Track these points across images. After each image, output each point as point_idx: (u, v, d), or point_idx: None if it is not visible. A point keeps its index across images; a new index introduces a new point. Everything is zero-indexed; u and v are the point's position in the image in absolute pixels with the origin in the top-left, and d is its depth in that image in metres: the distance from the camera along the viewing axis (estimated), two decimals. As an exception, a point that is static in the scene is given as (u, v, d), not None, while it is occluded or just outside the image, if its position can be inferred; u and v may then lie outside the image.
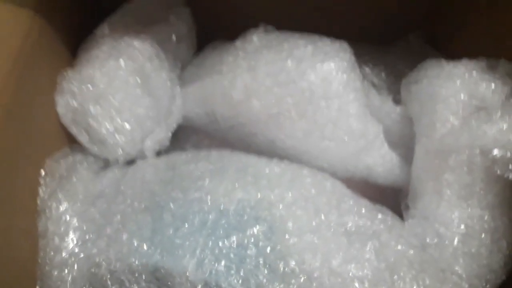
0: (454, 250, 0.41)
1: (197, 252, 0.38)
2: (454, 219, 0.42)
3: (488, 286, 0.40)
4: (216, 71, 0.50)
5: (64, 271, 0.40)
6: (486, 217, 0.42)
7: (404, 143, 0.48)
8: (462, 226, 0.42)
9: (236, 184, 0.42)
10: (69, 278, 0.40)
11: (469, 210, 0.42)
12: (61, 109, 0.49)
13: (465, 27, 0.58)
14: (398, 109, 0.49)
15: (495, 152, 0.40)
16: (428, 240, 0.41)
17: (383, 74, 0.60)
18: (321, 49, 0.47)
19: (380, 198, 0.46)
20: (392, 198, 0.48)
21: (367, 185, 0.48)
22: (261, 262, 0.37)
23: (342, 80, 0.45)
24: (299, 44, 0.47)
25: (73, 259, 0.41)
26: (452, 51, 0.59)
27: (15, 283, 0.39)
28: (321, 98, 0.45)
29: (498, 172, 0.41)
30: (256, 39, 0.49)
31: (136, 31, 0.53)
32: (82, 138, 0.49)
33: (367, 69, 0.59)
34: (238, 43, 0.50)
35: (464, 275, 0.39)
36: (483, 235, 0.41)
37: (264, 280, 0.37)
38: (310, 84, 0.45)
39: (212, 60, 0.52)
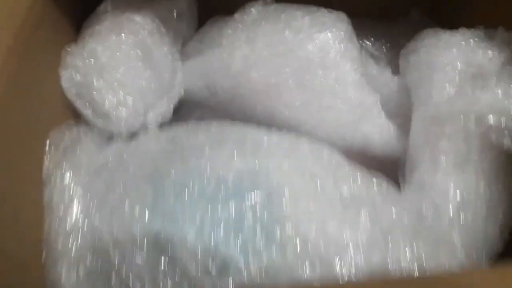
0: (450, 220, 0.39)
1: (197, 219, 0.37)
2: (450, 187, 0.40)
3: (484, 254, 0.39)
4: (216, 44, 0.48)
5: (69, 239, 0.39)
6: (481, 185, 0.40)
7: (402, 113, 0.47)
8: (458, 195, 0.40)
9: (235, 153, 0.41)
10: (74, 247, 0.39)
11: (465, 178, 0.40)
12: (65, 83, 0.47)
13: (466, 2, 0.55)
14: (396, 78, 0.47)
15: (490, 118, 0.38)
16: (424, 209, 0.39)
17: (384, 48, 0.58)
18: (318, 19, 0.45)
19: (378, 169, 0.45)
20: (390, 170, 0.46)
21: (365, 156, 0.46)
22: (258, 228, 0.36)
23: (339, 50, 0.43)
24: (296, 15, 0.45)
25: (77, 228, 0.40)
26: (454, 25, 0.56)
27: (22, 251, 0.38)
28: (318, 68, 0.43)
29: (493, 138, 0.39)
30: (254, 11, 0.47)
31: (137, 7, 0.51)
32: (86, 111, 0.48)
33: (368, 43, 0.57)
34: (237, 16, 0.48)
35: (460, 244, 0.38)
36: (478, 204, 0.40)
37: (261, 246, 0.35)
38: (307, 53, 0.43)
39: (212, 34, 0.51)
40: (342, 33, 0.43)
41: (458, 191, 0.39)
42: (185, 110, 0.54)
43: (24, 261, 0.38)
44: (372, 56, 0.50)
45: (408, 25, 0.61)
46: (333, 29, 0.43)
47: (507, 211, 0.41)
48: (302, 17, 0.45)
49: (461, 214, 0.38)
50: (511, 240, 0.41)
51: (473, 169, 0.40)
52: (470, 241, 0.38)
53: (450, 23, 0.57)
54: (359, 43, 0.53)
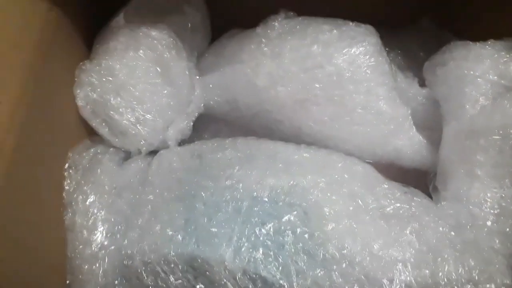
0: (489, 230, 0.40)
1: (234, 240, 0.37)
2: (487, 199, 0.41)
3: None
4: (238, 60, 0.49)
5: (95, 264, 0.39)
6: (518, 196, 0.42)
7: (429, 126, 0.48)
8: (496, 206, 0.41)
9: (267, 171, 0.41)
10: (100, 271, 0.39)
11: (502, 190, 0.42)
12: (80, 101, 0.48)
13: (474, 9, 0.58)
14: (424, 92, 0.49)
15: (529, 131, 0.40)
16: (462, 221, 0.40)
17: (399, 58, 0.60)
18: (347, 33, 0.46)
19: (402, 180, 0.46)
20: (414, 180, 0.47)
21: (389, 167, 0.47)
22: (299, 248, 0.37)
23: (370, 64, 0.45)
24: (324, 29, 0.46)
25: (103, 251, 0.40)
26: (460, 33, 0.58)
27: (44, 278, 0.39)
28: (349, 82, 0.45)
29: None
30: (278, 25, 0.48)
31: (152, 21, 0.52)
32: (103, 130, 0.49)
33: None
34: (259, 29, 0.49)
35: (499, 252, 0.39)
36: (515, 214, 0.41)
37: (304, 267, 0.36)
38: (337, 68, 0.45)
39: (231, 48, 0.52)
40: (373, 47, 0.45)
41: (495, 202, 0.41)
42: (200, 125, 0.54)
43: (45, 283, 0.38)
44: (400, 68, 0.51)
45: (418, 33, 0.63)
46: (364, 43, 0.45)
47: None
48: (329, 31, 0.46)
49: (499, 225, 0.40)
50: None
51: (509, 181, 0.42)
52: (509, 251, 0.39)
53: (463, 31, 0.60)
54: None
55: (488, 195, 0.42)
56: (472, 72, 0.45)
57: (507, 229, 0.41)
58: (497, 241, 0.40)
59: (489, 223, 0.41)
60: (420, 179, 0.49)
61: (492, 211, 0.41)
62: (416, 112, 0.49)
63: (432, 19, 0.67)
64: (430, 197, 0.45)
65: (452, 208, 0.42)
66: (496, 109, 0.42)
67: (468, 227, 0.40)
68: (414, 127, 0.47)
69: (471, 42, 0.47)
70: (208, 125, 0.56)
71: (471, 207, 0.42)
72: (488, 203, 0.42)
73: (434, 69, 0.49)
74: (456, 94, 0.45)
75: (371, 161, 0.47)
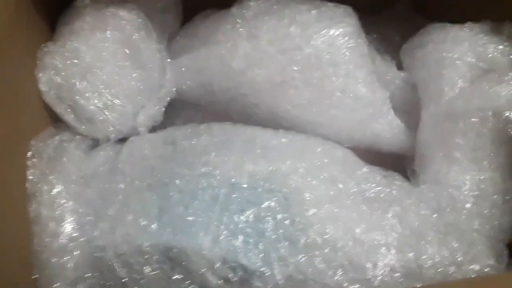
0: (468, 213, 0.41)
1: (212, 228, 0.37)
2: (466, 182, 0.42)
3: (503, 244, 0.41)
4: (212, 41, 0.49)
5: (64, 257, 0.38)
6: (497, 179, 0.43)
7: (407, 109, 0.49)
8: (475, 189, 0.42)
9: (245, 157, 0.41)
10: (70, 265, 0.38)
11: (481, 172, 0.43)
12: (43, 86, 0.46)
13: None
14: (402, 75, 0.49)
15: (508, 113, 0.41)
16: (443, 204, 0.41)
17: (376, 42, 0.60)
18: (325, 14, 0.46)
19: (380, 164, 0.47)
20: (391, 164, 0.48)
21: (367, 152, 0.48)
22: (280, 235, 0.37)
23: (349, 46, 0.45)
24: (301, 9, 0.46)
25: (72, 244, 0.39)
26: (438, 18, 0.59)
27: (9, 273, 0.37)
28: (328, 65, 0.45)
29: (510, 133, 0.41)
30: (254, 4, 0.48)
31: (120, 1, 0.50)
32: (68, 116, 0.47)
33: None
34: (235, 10, 0.48)
35: (479, 234, 0.40)
36: (495, 197, 0.42)
37: (286, 254, 0.36)
38: (316, 50, 0.45)
39: (205, 29, 0.51)
40: (352, 28, 0.45)
41: (474, 184, 0.42)
42: (172, 111, 0.53)
43: (11, 279, 0.36)
44: (378, 51, 0.52)
45: (394, 18, 0.64)
46: (343, 24, 0.45)
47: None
48: (308, 11, 0.46)
49: (479, 207, 0.41)
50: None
51: (488, 163, 0.43)
52: (489, 232, 0.40)
53: (435, 15, 0.61)
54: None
55: (467, 177, 0.43)
56: (450, 55, 0.46)
57: (486, 211, 0.42)
58: (476, 223, 0.41)
59: (468, 205, 0.42)
60: (397, 163, 0.50)
61: (471, 194, 0.42)
62: (394, 95, 0.49)
63: (405, 4, 0.67)
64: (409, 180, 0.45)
65: (432, 191, 0.43)
66: (475, 91, 0.43)
67: (448, 209, 0.41)
68: (392, 110, 0.47)
69: (449, 24, 0.48)
70: (180, 111, 0.55)
71: (450, 190, 0.42)
72: (467, 186, 0.43)
73: (412, 52, 0.49)
74: (435, 77, 0.46)
75: (349, 146, 0.47)
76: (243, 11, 0.48)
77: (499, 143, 0.43)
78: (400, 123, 0.48)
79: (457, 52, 0.46)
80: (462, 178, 0.43)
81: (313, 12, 0.46)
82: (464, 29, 0.47)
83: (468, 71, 0.45)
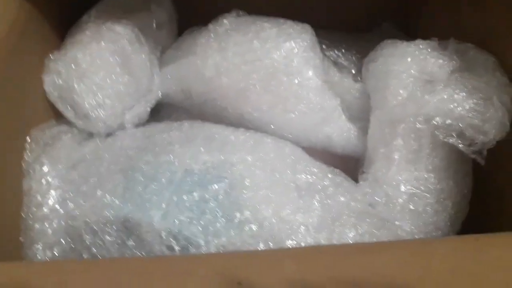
0: (401, 208, 0.46)
1: (163, 205, 0.43)
2: (401, 180, 0.47)
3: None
4: (191, 52, 0.56)
5: (45, 224, 0.46)
6: (432, 179, 0.47)
7: (364, 117, 0.54)
8: (409, 187, 0.47)
9: (202, 148, 0.47)
10: (49, 230, 0.45)
11: (416, 173, 0.47)
12: (48, 87, 0.54)
13: (433, 15, 0.64)
14: (357, 85, 0.54)
15: (437, 119, 0.46)
16: (376, 199, 0.46)
17: (354, 59, 0.66)
18: (284, 30, 0.52)
19: (341, 167, 0.52)
20: (353, 168, 0.53)
21: (328, 155, 0.53)
22: (219, 213, 0.43)
23: (302, 58, 0.51)
24: (265, 27, 0.53)
25: (53, 214, 0.46)
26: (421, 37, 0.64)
27: (1, 235, 0.45)
28: (283, 74, 0.51)
29: (441, 137, 0.46)
30: (227, 22, 0.55)
31: (118, 18, 0.59)
32: (68, 113, 0.55)
33: (339, 54, 0.65)
34: (211, 26, 0.56)
35: (408, 229, 0.44)
36: (428, 195, 0.46)
37: (221, 228, 0.42)
38: (273, 61, 0.51)
39: (188, 43, 0.58)
40: (306, 43, 0.51)
41: (409, 183, 0.46)
42: (164, 113, 0.61)
43: (1, 239, 0.44)
44: (336, 64, 0.57)
45: (379, 37, 0.69)
46: (298, 39, 0.51)
47: (457, 204, 0.47)
48: (270, 28, 0.52)
49: (411, 204, 0.45)
50: (463, 232, 0.48)
51: (423, 165, 0.47)
52: (420, 229, 0.45)
53: (420, 35, 0.66)
54: (329, 52, 0.62)
55: (403, 177, 0.47)
56: (396, 67, 0.51)
57: (419, 209, 0.46)
58: (407, 218, 0.46)
59: (401, 201, 0.46)
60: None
61: (405, 191, 0.47)
62: (350, 103, 0.55)
63: (392, 24, 0.73)
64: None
65: (369, 187, 0.47)
66: (411, 99, 0.48)
67: (382, 204, 0.46)
68: (343, 116, 0.52)
69: (399, 41, 0.53)
70: (170, 114, 0.63)
71: (386, 187, 0.47)
72: (403, 184, 0.47)
73: (367, 65, 0.55)
74: (382, 87, 0.51)
75: (306, 147, 0.53)
76: (217, 27, 0.55)
77: (434, 147, 0.47)
78: (351, 127, 0.53)
79: (402, 65, 0.50)
80: (398, 177, 0.47)
81: (274, 29, 0.52)
82: (411, 45, 0.52)
83: (411, 82, 0.50)
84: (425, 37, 0.64)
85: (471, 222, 0.48)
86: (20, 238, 0.46)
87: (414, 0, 0.71)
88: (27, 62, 0.53)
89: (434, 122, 0.46)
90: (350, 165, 0.54)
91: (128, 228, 0.43)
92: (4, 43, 0.49)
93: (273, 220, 0.42)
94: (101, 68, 0.55)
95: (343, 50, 0.66)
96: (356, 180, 0.51)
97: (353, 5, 0.73)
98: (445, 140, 0.46)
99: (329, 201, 0.44)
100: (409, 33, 0.72)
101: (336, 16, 0.71)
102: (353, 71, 0.60)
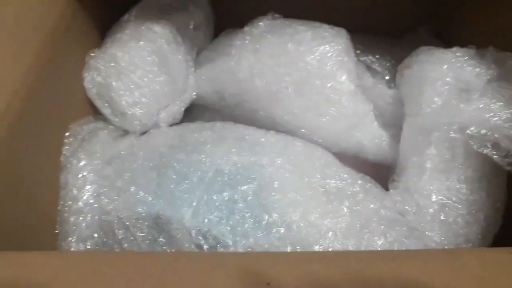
0: (432, 218, 0.45)
1: (194, 203, 0.44)
2: (433, 190, 0.46)
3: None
4: (226, 54, 0.56)
5: (80, 217, 0.47)
6: (464, 190, 0.46)
7: (396, 124, 0.53)
8: (440, 197, 0.46)
9: (233, 149, 0.48)
10: (84, 224, 0.46)
11: (448, 183, 0.46)
12: (87, 83, 0.56)
13: (469, 21, 0.62)
14: (390, 91, 0.54)
15: (472, 128, 0.45)
16: (407, 208, 0.45)
17: (388, 64, 0.65)
18: (319, 34, 0.52)
19: (372, 174, 0.51)
20: (383, 175, 0.52)
21: (359, 160, 0.53)
22: (248, 214, 0.43)
23: (336, 62, 0.50)
24: (299, 30, 0.53)
25: (88, 208, 0.47)
26: (456, 44, 0.63)
27: (39, 225, 0.46)
28: (316, 78, 0.51)
29: (475, 147, 0.45)
30: (262, 24, 0.55)
31: (157, 18, 0.60)
32: (105, 110, 0.56)
33: (373, 59, 0.64)
34: (246, 28, 0.56)
35: (438, 240, 0.44)
36: (459, 206, 0.45)
37: (249, 229, 0.42)
38: (307, 64, 0.51)
39: (223, 44, 0.59)
40: (340, 46, 0.51)
41: (440, 193, 0.45)
42: (197, 113, 0.62)
43: (38, 230, 0.45)
44: (373, 71, 0.57)
45: (414, 42, 0.68)
46: (332, 43, 0.51)
47: (489, 217, 0.46)
48: (304, 31, 0.52)
49: (442, 214, 0.44)
50: (494, 245, 0.47)
51: (456, 175, 0.46)
52: (450, 240, 0.44)
53: (455, 41, 0.64)
54: (363, 57, 0.61)
55: (435, 186, 0.46)
56: (431, 74, 0.50)
57: (450, 219, 0.45)
58: (437, 228, 0.45)
59: (432, 211, 0.45)
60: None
61: (436, 201, 0.46)
62: (383, 110, 0.54)
63: (427, 29, 0.72)
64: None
65: (400, 195, 0.47)
66: (445, 108, 0.47)
67: (412, 213, 0.45)
68: (376, 122, 0.52)
69: (435, 48, 0.52)
70: (203, 114, 0.63)
71: (417, 196, 0.46)
72: (434, 194, 0.46)
73: (402, 71, 0.54)
74: (416, 94, 0.50)
75: (337, 152, 0.53)
76: (252, 29, 0.55)
77: (467, 157, 0.46)
78: (384, 134, 0.52)
79: (438, 72, 0.50)
80: (430, 186, 0.46)
81: (309, 32, 0.52)
82: (448, 52, 0.51)
83: (446, 90, 0.49)
84: (460, 43, 0.63)
85: (503, 235, 0.47)
86: (56, 230, 0.47)
87: (448, 5, 0.69)
88: (69, 58, 0.54)
89: (469, 132, 0.45)
90: (381, 172, 0.54)
91: (159, 224, 0.43)
92: (50, 38, 0.50)
93: (301, 224, 0.41)
94: (139, 66, 0.56)
95: (377, 56, 0.66)
96: (386, 187, 0.50)
97: (388, 10, 0.71)
98: (479, 150, 0.45)
99: (358, 207, 0.43)
100: (443, 38, 0.70)
101: (370, 20, 0.70)
102: (387, 77, 0.59)
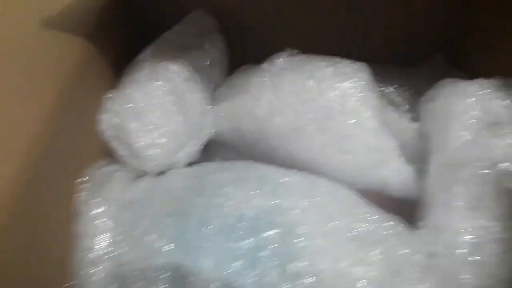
0: (463, 259, 0.42)
1: (216, 252, 0.41)
2: (463, 229, 0.43)
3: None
4: (244, 91, 0.54)
5: (96, 268, 0.44)
6: (495, 228, 0.42)
7: (420, 158, 0.50)
8: (471, 236, 0.42)
9: (255, 191, 0.45)
10: (99, 276, 0.44)
11: (479, 221, 0.43)
12: (104, 126, 0.54)
13: (486, 48, 0.60)
14: (414, 125, 0.51)
15: (504, 165, 0.42)
16: (438, 248, 0.42)
17: (407, 94, 0.62)
18: (340, 69, 0.50)
19: (396, 210, 0.48)
20: (408, 211, 0.49)
21: (382, 197, 0.50)
22: (273, 263, 0.40)
23: (359, 98, 0.48)
24: (320, 66, 0.51)
25: (104, 258, 0.44)
26: (474, 72, 0.60)
27: (53, 277, 0.44)
28: (339, 114, 0.48)
29: (507, 184, 0.42)
30: (281, 61, 0.53)
31: (173, 57, 0.58)
32: (122, 152, 0.54)
33: (391, 89, 0.61)
34: (265, 65, 0.54)
35: (472, 283, 0.40)
36: (492, 245, 0.42)
37: (276, 280, 0.39)
38: (328, 101, 0.49)
39: (240, 81, 0.57)
40: (363, 82, 0.48)
41: (472, 232, 0.42)
42: (212, 150, 0.59)
43: (53, 285, 0.43)
44: (392, 102, 0.54)
45: (430, 70, 0.65)
46: (355, 79, 0.48)
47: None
48: (325, 68, 0.50)
49: (474, 254, 0.41)
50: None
51: (487, 212, 0.43)
52: (483, 281, 0.40)
53: (471, 68, 0.62)
54: (381, 89, 0.59)
55: (466, 225, 0.43)
56: (458, 108, 0.47)
57: (481, 259, 0.42)
58: (470, 269, 0.41)
59: (463, 251, 0.42)
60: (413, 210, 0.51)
61: (468, 241, 0.43)
62: (407, 144, 0.51)
63: (442, 57, 0.69)
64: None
65: (429, 235, 0.43)
66: (475, 142, 0.44)
67: (443, 254, 0.42)
68: (401, 158, 0.49)
69: (460, 80, 0.49)
70: (218, 151, 0.61)
71: (447, 235, 0.43)
72: (465, 233, 0.43)
73: (426, 104, 0.51)
74: (442, 128, 0.48)
75: (360, 189, 0.50)
76: (272, 66, 0.53)
77: (498, 194, 0.43)
78: (409, 170, 0.49)
79: (465, 105, 0.47)
80: (461, 225, 0.43)
81: (330, 68, 0.50)
82: (474, 84, 0.48)
83: (474, 124, 0.46)
84: (477, 70, 0.61)
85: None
86: (71, 282, 0.44)
87: (463, 31, 0.67)
88: (85, 101, 0.53)
89: (501, 168, 0.42)
90: (405, 207, 0.50)
91: (179, 276, 0.41)
92: (66, 83, 0.49)
93: (331, 273, 0.38)
94: (157, 107, 0.54)
95: (395, 85, 0.63)
96: (410, 223, 0.47)
97: (399, 37, 0.69)
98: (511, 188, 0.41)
99: (391, 252, 0.40)
100: (459, 64, 0.67)
101: (384, 49, 0.68)
102: (407, 108, 0.56)
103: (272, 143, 0.52)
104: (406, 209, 0.49)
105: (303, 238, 0.41)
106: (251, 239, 0.41)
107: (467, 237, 0.42)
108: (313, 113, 0.49)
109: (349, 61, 0.51)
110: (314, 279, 0.38)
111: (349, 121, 0.48)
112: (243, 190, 0.45)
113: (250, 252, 0.41)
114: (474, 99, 0.46)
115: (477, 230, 0.42)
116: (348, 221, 0.42)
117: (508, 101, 0.46)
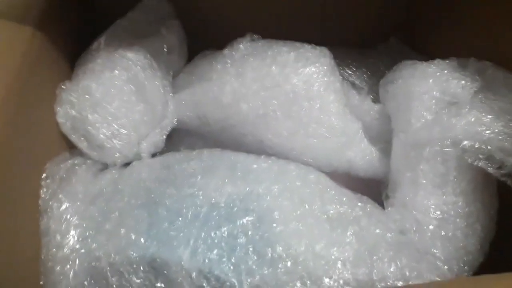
0: (432, 234, 0.43)
1: (191, 242, 0.40)
2: (430, 206, 0.44)
3: (466, 267, 0.42)
4: (206, 78, 0.53)
5: (66, 266, 0.42)
6: (460, 203, 0.44)
7: (383, 138, 0.51)
8: (438, 212, 0.44)
9: (226, 179, 0.44)
10: (71, 272, 0.42)
11: (444, 197, 0.44)
12: (60, 118, 0.51)
13: (439, 30, 0.61)
14: (376, 107, 0.52)
15: (465, 142, 0.43)
16: (407, 225, 0.43)
17: (365, 76, 0.63)
18: (303, 55, 0.50)
19: (363, 190, 0.49)
20: (375, 190, 0.50)
21: (350, 178, 0.50)
22: (250, 249, 0.39)
23: (322, 83, 0.48)
24: (282, 51, 0.50)
25: (74, 254, 0.42)
26: (428, 52, 0.62)
27: (20, 280, 0.41)
28: (304, 100, 0.48)
29: (469, 161, 0.43)
30: (242, 47, 0.52)
31: (129, 44, 0.55)
32: (81, 144, 0.51)
33: (349, 72, 0.62)
34: (226, 51, 0.53)
35: (442, 257, 0.42)
36: (458, 220, 0.44)
37: (254, 266, 0.39)
38: (293, 87, 0.48)
39: (202, 68, 0.55)
40: (325, 67, 0.48)
41: (438, 208, 0.43)
42: (176, 138, 0.58)
43: (21, 284, 0.40)
44: (353, 86, 0.55)
45: (387, 52, 0.67)
46: (317, 64, 0.48)
47: (485, 227, 0.45)
48: (287, 53, 0.49)
49: (442, 229, 0.42)
50: (491, 253, 0.45)
51: (451, 188, 0.44)
52: (452, 254, 0.42)
53: (427, 49, 0.63)
54: (340, 72, 0.59)
55: (432, 202, 0.45)
56: (418, 89, 0.48)
57: (449, 234, 0.44)
58: (439, 244, 0.43)
59: (431, 227, 0.43)
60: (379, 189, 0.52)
61: (434, 217, 0.44)
62: (371, 126, 0.52)
63: (399, 39, 0.70)
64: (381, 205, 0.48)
65: (398, 213, 0.45)
66: (436, 122, 0.45)
67: (412, 231, 0.43)
68: (365, 139, 0.50)
69: (418, 62, 0.50)
70: (183, 139, 0.60)
71: (415, 213, 0.44)
72: (431, 210, 0.44)
73: (386, 86, 0.52)
74: (404, 109, 0.49)
75: (329, 171, 0.50)
76: (233, 53, 0.52)
77: (461, 170, 0.44)
78: (373, 150, 0.50)
79: (424, 86, 0.48)
80: (427, 202, 0.45)
81: (292, 53, 0.49)
82: (431, 65, 0.49)
83: (434, 104, 0.47)
84: (431, 50, 0.62)
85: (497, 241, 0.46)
86: (41, 282, 0.42)
87: (417, 13, 0.68)
88: (39, 93, 0.50)
89: (462, 146, 0.43)
90: (372, 187, 0.51)
91: (155, 268, 0.39)
92: (17, 75, 0.45)
93: (308, 255, 0.39)
94: (115, 97, 0.51)
95: (353, 68, 0.64)
96: (380, 203, 0.48)
97: (358, 20, 0.70)
98: (473, 163, 0.43)
99: (363, 233, 0.41)
100: (415, 46, 0.69)
101: (341, 31, 0.68)
102: (366, 89, 0.57)
103: (239, 129, 0.51)
104: (373, 189, 0.50)
105: (278, 224, 0.41)
106: (225, 228, 0.41)
107: (433, 214, 0.44)
108: (278, 99, 0.49)
109: (310, 46, 0.51)
110: (291, 263, 0.38)
111: (314, 106, 0.48)
112: (213, 178, 0.45)
113: (226, 241, 0.40)
114: (432, 80, 0.47)
115: (442, 206, 0.44)
116: (320, 204, 0.43)
117: (463, 81, 0.47)
